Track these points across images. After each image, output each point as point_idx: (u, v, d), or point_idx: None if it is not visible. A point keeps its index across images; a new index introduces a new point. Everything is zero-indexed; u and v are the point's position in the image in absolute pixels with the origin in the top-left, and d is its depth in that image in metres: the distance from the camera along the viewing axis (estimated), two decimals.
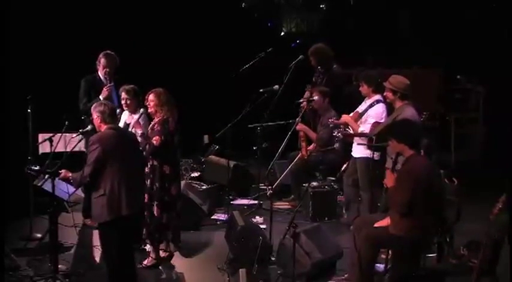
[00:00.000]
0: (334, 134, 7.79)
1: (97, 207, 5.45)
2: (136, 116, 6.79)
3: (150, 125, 6.63)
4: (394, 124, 6.19)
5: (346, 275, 6.03)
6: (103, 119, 5.61)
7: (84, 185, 5.68)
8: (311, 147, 8.45)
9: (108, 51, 7.50)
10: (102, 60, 7.45)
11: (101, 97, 7.21)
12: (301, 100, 8.45)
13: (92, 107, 5.75)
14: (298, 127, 8.34)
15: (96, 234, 7.09)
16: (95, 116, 5.65)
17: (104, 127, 5.61)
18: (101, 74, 7.49)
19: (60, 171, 5.71)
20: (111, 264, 5.53)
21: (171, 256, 6.72)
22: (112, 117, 5.70)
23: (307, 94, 8.51)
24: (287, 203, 8.59)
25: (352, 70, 9.17)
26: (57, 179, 5.86)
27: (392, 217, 5.63)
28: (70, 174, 5.66)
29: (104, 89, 7.31)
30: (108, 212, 5.39)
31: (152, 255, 6.57)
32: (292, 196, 8.62)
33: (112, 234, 5.46)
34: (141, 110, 6.79)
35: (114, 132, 5.58)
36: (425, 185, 5.48)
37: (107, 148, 5.43)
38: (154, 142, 6.39)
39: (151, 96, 6.56)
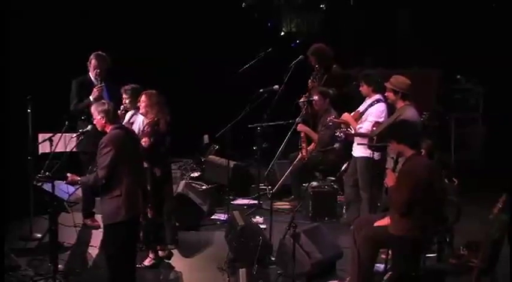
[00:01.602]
0: (336, 134, 7.78)
1: (111, 208, 5.38)
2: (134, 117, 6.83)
3: (141, 127, 6.64)
4: (394, 125, 6.19)
5: (348, 279, 6.00)
6: (108, 118, 5.52)
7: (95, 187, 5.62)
8: (311, 146, 8.44)
9: (99, 52, 7.48)
10: (93, 61, 7.44)
11: (91, 97, 7.18)
12: (301, 100, 8.46)
13: (93, 108, 5.66)
14: (299, 128, 8.35)
15: (96, 234, 7.12)
16: (99, 116, 5.54)
17: (109, 127, 5.52)
18: (91, 74, 7.47)
19: (67, 175, 5.61)
20: (113, 264, 5.50)
21: (170, 255, 6.73)
22: (115, 115, 5.68)
23: (309, 86, 8.53)
24: (287, 203, 8.59)
25: (352, 70, 9.17)
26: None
27: (392, 217, 5.63)
28: (78, 178, 5.59)
29: (94, 90, 7.27)
30: (125, 212, 5.34)
31: (151, 255, 6.57)
32: (292, 196, 8.61)
33: (122, 234, 5.42)
34: (131, 111, 6.81)
35: (122, 132, 5.53)
36: (426, 185, 5.47)
37: (119, 149, 5.37)
38: (143, 143, 6.38)
39: (142, 97, 6.59)
